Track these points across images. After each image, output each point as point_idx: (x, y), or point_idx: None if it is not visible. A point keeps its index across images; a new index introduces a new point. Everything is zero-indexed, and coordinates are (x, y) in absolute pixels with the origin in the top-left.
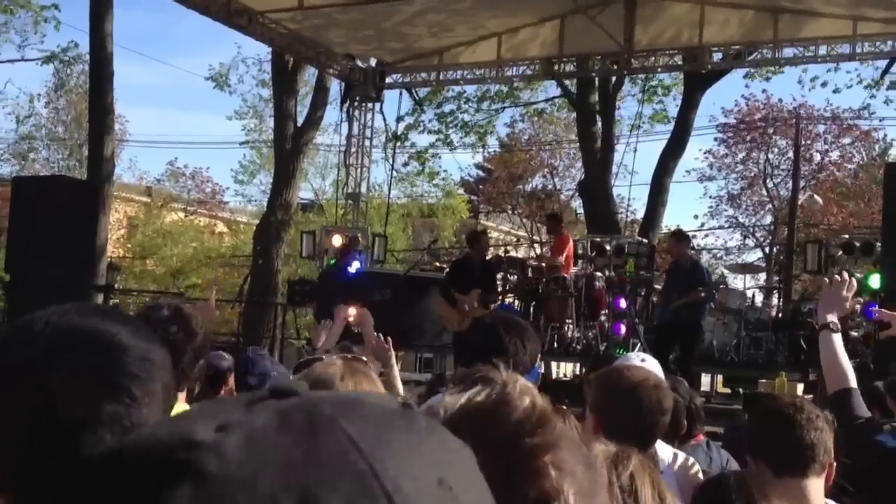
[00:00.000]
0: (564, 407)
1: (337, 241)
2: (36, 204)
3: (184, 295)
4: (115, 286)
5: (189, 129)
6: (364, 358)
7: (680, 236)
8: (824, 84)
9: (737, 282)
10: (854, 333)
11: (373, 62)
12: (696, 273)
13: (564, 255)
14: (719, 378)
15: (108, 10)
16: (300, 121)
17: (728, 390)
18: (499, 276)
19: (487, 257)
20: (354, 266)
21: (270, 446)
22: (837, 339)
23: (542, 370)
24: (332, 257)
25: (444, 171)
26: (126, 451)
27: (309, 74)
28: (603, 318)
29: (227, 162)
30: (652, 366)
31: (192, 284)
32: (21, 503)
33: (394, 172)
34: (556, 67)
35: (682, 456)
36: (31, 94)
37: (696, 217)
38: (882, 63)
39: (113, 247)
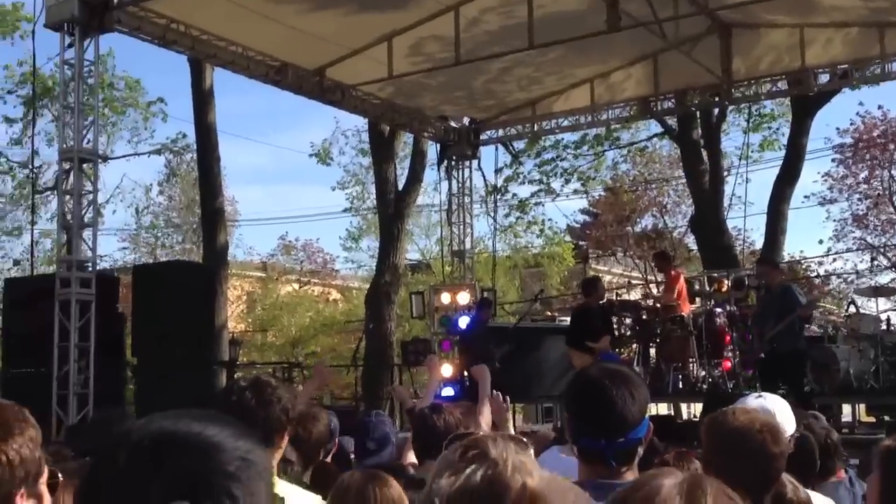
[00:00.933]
0: (686, 450)
1: (464, 298)
2: (156, 290)
3: (301, 364)
4: (238, 360)
5: (296, 203)
6: (525, 439)
7: (767, 262)
8: None
9: (870, 305)
10: None
11: (466, 121)
12: (788, 298)
13: (677, 292)
14: (861, 407)
15: (210, 101)
16: (401, 184)
17: (872, 419)
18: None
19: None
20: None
21: None
22: None
23: (671, 412)
24: (443, 315)
25: (549, 219)
26: None
27: (406, 138)
28: (728, 354)
29: (335, 230)
30: (772, 404)
31: (310, 352)
32: None
33: (496, 225)
34: (653, 106)
35: (819, 498)
36: (147, 185)
37: (821, 242)
38: None
39: (234, 322)
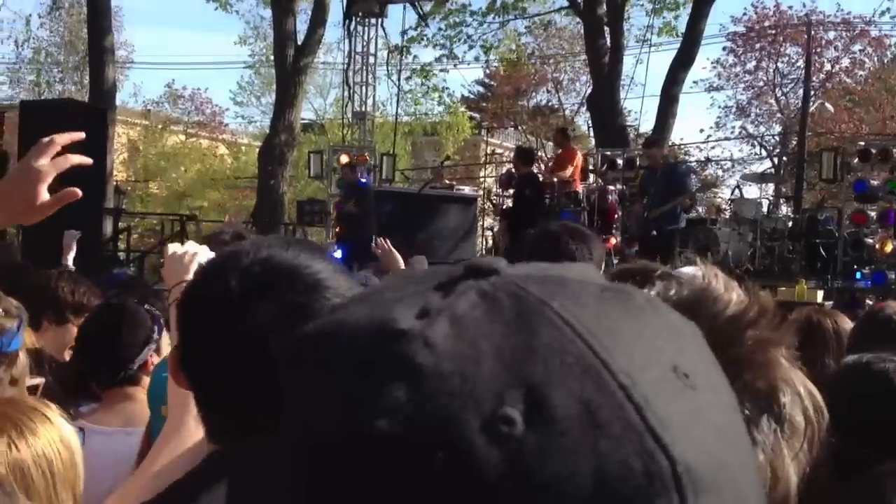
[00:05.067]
0: None
1: (343, 159)
2: (45, 128)
3: (196, 217)
4: (124, 209)
5: (184, 49)
6: None
7: (652, 143)
8: None
9: (750, 191)
10: (869, 240)
11: None
12: (675, 179)
13: (573, 169)
14: None
15: None
16: (300, 39)
17: None
18: (511, 192)
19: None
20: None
21: (482, 336)
22: None
23: None
24: (341, 177)
25: (447, 88)
26: (329, 337)
27: None
28: (615, 232)
29: (225, 82)
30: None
31: (198, 206)
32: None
33: (399, 89)
34: None
35: None
36: (27, 15)
37: (701, 131)
38: None
39: (116, 170)
